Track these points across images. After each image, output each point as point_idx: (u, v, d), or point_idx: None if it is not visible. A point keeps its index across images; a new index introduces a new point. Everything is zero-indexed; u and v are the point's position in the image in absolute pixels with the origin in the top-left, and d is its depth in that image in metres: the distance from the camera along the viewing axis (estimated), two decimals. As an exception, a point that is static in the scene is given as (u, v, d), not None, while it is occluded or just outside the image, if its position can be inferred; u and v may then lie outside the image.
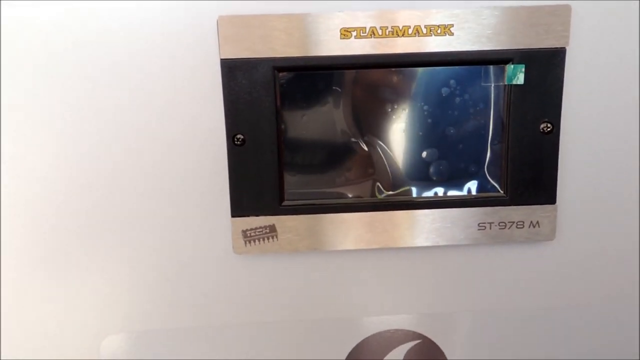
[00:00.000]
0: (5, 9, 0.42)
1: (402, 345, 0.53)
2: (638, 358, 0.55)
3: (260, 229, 0.48)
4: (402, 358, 0.53)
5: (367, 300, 0.52)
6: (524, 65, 0.45)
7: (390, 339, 0.53)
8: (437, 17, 0.44)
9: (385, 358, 0.53)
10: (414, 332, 0.53)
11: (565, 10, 0.44)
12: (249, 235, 0.48)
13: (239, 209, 0.47)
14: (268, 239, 0.48)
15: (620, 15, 0.45)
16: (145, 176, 0.46)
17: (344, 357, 0.53)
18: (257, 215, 0.47)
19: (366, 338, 0.52)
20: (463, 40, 0.45)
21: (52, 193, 0.46)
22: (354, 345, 0.52)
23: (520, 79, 0.46)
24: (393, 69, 0.47)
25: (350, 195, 0.49)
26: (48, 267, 0.48)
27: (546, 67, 0.45)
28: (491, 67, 0.46)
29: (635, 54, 0.46)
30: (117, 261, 0.48)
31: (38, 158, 0.46)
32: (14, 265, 0.48)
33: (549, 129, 0.47)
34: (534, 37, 0.45)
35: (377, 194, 0.49)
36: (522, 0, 0.44)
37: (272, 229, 0.48)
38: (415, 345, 0.53)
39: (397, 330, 0.53)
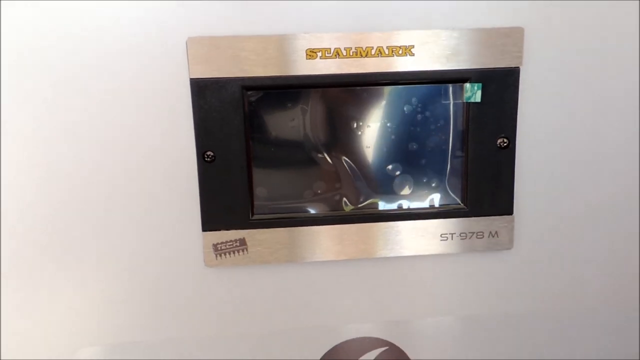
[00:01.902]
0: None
1: (371, 352, 0.54)
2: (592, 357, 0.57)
3: (231, 243, 0.49)
4: (370, 365, 0.55)
5: (336, 309, 0.53)
6: (481, 84, 0.47)
7: (359, 346, 0.54)
8: (398, 39, 0.46)
9: (354, 365, 0.54)
10: (382, 340, 0.54)
11: (519, 33, 0.47)
12: (219, 248, 0.49)
13: (209, 223, 0.48)
14: (238, 252, 0.49)
15: (569, 37, 0.48)
16: (118, 192, 0.47)
17: (314, 366, 0.54)
18: (227, 229, 0.48)
19: (335, 346, 0.53)
20: (424, 60, 0.46)
21: (25, 207, 0.47)
22: (323, 353, 0.53)
23: (477, 96, 0.48)
24: (357, 88, 0.48)
25: (318, 209, 0.50)
26: (20, 281, 0.48)
27: (502, 85, 0.48)
28: (450, 85, 0.48)
29: (583, 73, 0.49)
30: (90, 275, 0.49)
31: (7, 175, 0.46)
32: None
33: (505, 144, 0.49)
34: (490, 57, 0.47)
35: (344, 207, 0.51)
36: (478, 22, 0.46)
37: (242, 242, 0.49)
38: (383, 351, 0.54)
39: (365, 337, 0.54)
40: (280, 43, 0.45)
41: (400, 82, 0.48)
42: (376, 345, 0.54)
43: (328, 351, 0.54)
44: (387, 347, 0.54)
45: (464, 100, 0.48)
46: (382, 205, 0.51)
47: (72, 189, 0.47)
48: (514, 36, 0.47)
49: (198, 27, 0.44)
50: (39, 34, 0.43)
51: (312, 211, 0.50)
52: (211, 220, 0.48)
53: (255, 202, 0.49)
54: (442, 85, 0.49)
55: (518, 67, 0.47)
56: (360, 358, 0.54)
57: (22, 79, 0.44)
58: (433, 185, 0.51)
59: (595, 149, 0.51)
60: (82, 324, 0.50)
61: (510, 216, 0.51)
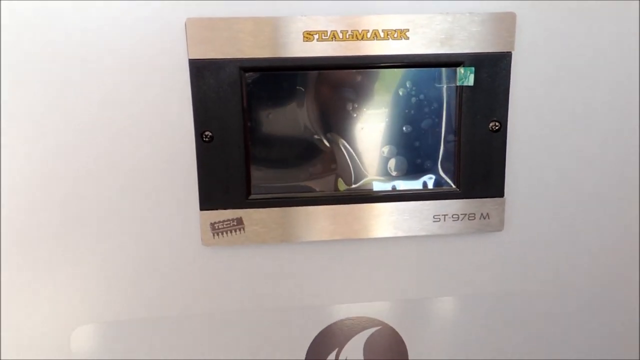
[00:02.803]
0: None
1: (364, 331, 0.55)
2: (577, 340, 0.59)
3: (228, 222, 0.50)
4: (363, 343, 0.56)
5: (330, 289, 0.54)
6: (473, 68, 0.48)
7: (352, 325, 0.55)
8: (394, 22, 0.47)
9: (347, 343, 0.55)
10: (374, 319, 0.55)
11: (511, 18, 0.48)
12: (217, 227, 0.50)
13: (207, 202, 0.49)
14: (235, 231, 0.50)
15: (560, 22, 0.49)
16: (117, 171, 0.48)
17: (309, 344, 0.55)
18: (224, 209, 0.49)
19: (329, 325, 0.54)
20: (418, 44, 0.47)
21: (24, 187, 0.47)
22: (317, 332, 0.54)
23: (470, 80, 0.49)
24: (353, 71, 0.49)
25: (314, 190, 0.51)
26: (18, 260, 0.49)
27: (494, 69, 0.49)
28: (444, 69, 0.49)
29: (574, 57, 0.50)
30: (88, 253, 0.50)
31: (10, 154, 0.47)
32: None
33: (497, 128, 0.50)
34: (483, 42, 0.48)
35: (339, 188, 0.52)
36: (472, 7, 0.48)
37: (240, 221, 0.50)
38: (376, 331, 0.56)
39: (358, 317, 0.55)
40: (278, 25, 0.46)
41: (395, 65, 0.48)
42: (369, 324, 0.55)
43: (322, 330, 0.55)
44: (380, 327, 0.56)
45: (457, 84, 0.49)
46: (377, 187, 0.52)
47: (71, 169, 0.47)
48: (506, 21, 0.48)
49: (197, 9, 0.45)
50: (37, 16, 0.44)
51: (308, 191, 0.51)
52: (209, 199, 0.49)
53: (252, 182, 0.49)
54: (436, 69, 0.50)
55: (510, 52, 0.48)
56: (354, 337, 0.55)
57: (22, 63, 0.45)
58: (426, 167, 0.52)
59: (585, 132, 0.52)
60: (80, 301, 0.51)
61: (501, 198, 0.52)
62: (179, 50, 0.46)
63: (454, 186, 0.52)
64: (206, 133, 0.47)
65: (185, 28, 0.45)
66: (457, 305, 0.56)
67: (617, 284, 0.57)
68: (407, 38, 0.47)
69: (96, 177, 0.48)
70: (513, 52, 0.49)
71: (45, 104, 0.46)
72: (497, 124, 0.50)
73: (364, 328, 0.55)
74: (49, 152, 0.47)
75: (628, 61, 0.51)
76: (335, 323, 0.55)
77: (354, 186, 0.52)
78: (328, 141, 0.51)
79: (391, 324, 0.56)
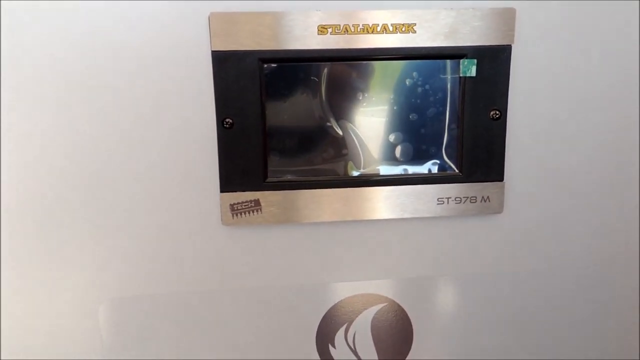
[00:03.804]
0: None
1: (371, 308, 0.58)
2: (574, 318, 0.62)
3: (246, 203, 0.53)
4: (371, 318, 0.59)
5: (340, 267, 0.57)
6: (475, 60, 0.51)
7: (361, 302, 0.58)
8: (401, 17, 0.50)
9: (356, 319, 0.59)
10: (381, 296, 0.58)
11: (511, 12, 0.51)
12: (236, 208, 0.53)
13: (227, 185, 0.52)
14: (253, 212, 0.53)
15: (557, 17, 0.52)
16: (144, 156, 0.51)
17: (320, 318, 0.58)
18: (243, 191, 0.52)
19: (340, 301, 0.58)
20: (424, 37, 0.50)
21: (49, 166, 0.50)
22: (329, 307, 0.58)
23: (472, 71, 0.52)
24: (364, 62, 0.52)
25: (326, 174, 0.54)
26: (46, 234, 0.52)
27: (495, 61, 0.52)
28: (448, 61, 0.52)
29: (570, 50, 0.53)
30: (115, 232, 0.53)
31: (38, 140, 0.49)
32: (11, 235, 0.52)
33: (497, 116, 0.53)
34: (485, 35, 0.51)
35: (349, 172, 0.55)
36: (474, 3, 0.50)
37: (257, 203, 0.53)
38: (383, 307, 0.59)
39: (366, 294, 0.58)
40: (294, 19, 0.49)
41: (402, 57, 0.51)
42: (376, 301, 0.58)
43: (333, 306, 0.58)
44: (386, 304, 0.59)
45: (460, 75, 0.52)
46: (385, 171, 0.55)
47: (101, 151, 0.50)
48: (506, 16, 0.51)
49: (220, 3, 0.48)
50: (68, 13, 0.47)
51: (320, 175, 0.54)
52: (229, 182, 0.52)
53: (269, 166, 0.52)
54: (441, 61, 0.52)
55: (510, 45, 0.51)
56: (362, 313, 0.59)
57: (46, 50, 0.48)
58: (431, 153, 0.55)
59: (580, 120, 0.55)
60: (107, 278, 0.54)
61: (501, 182, 0.55)
62: (202, 43, 0.49)
63: (456, 171, 0.55)
64: (227, 120, 0.50)
65: (209, 22, 0.48)
66: (459, 283, 0.59)
67: (614, 262, 0.60)
68: (414, 32, 0.50)
69: (124, 161, 0.51)
70: (513, 45, 0.51)
71: (76, 94, 0.49)
72: (497, 112, 0.53)
73: (372, 304, 0.58)
74: (78, 137, 0.50)
75: (620, 52, 0.53)
76: (344, 299, 0.58)
77: (363, 170, 0.55)
78: (340, 128, 0.54)
79: (397, 301, 0.59)
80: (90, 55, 0.48)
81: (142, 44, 0.48)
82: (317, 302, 0.58)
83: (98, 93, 0.49)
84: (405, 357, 0.60)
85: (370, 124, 0.54)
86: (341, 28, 0.49)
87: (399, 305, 0.59)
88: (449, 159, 0.55)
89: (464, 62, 0.51)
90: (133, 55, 0.49)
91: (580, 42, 0.53)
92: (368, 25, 0.50)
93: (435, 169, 0.55)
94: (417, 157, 0.55)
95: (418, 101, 0.54)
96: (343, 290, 0.58)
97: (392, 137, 0.55)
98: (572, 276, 0.60)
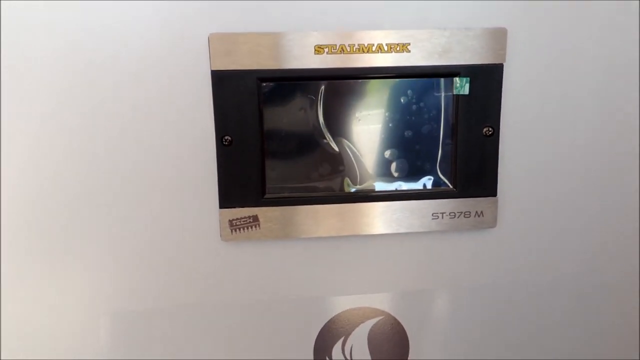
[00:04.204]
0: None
1: (368, 321, 0.59)
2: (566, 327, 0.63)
3: (245, 219, 0.54)
4: (367, 331, 0.60)
5: (337, 281, 0.58)
6: (469, 78, 0.52)
7: (357, 315, 0.59)
8: (396, 37, 0.51)
9: (353, 332, 0.59)
10: (378, 309, 0.59)
11: (502, 32, 0.52)
12: (234, 224, 0.53)
13: (226, 201, 0.53)
14: (251, 227, 0.54)
15: (547, 37, 0.53)
16: (145, 171, 0.52)
17: (318, 331, 0.59)
18: (242, 207, 0.53)
19: (337, 314, 0.58)
20: (418, 56, 0.51)
21: (54, 179, 0.51)
22: (326, 320, 0.58)
23: (466, 89, 0.53)
24: (359, 80, 0.53)
25: (322, 190, 0.55)
26: (49, 250, 0.53)
27: (487, 80, 0.53)
28: (442, 79, 0.54)
29: (559, 68, 0.54)
30: (116, 246, 0.53)
31: (37, 152, 0.50)
32: (12, 250, 0.52)
33: (490, 133, 0.54)
34: (477, 54, 0.52)
35: (346, 188, 0.56)
36: (467, 23, 0.52)
37: (255, 218, 0.54)
38: (379, 320, 0.59)
39: (363, 307, 0.59)
40: (292, 40, 0.50)
41: (398, 75, 0.52)
42: (373, 314, 0.59)
43: (330, 319, 0.58)
44: (382, 317, 0.59)
45: (454, 93, 0.53)
46: (380, 187, 0.56)
47: (104, 169, 0.51)
48: (498, 36, 0.52)
49: (219, 24, 0.49)
50: (70, 24, 0.48)
51: (318, 191, 0.55)
52: (228, 198, 0.53)
53: (267, 183, 0.53)
54: (435, 79, 0.54)
55: (502, 64, 0.52)
56: (359, 326, 0.59)
57: (52, 61, 0.49)
58: (425, 169, 0.56)
59: (570, 136, 0.56)
60: (108, 292, 0.54)
61: (494, 198, 0.56)
62: (202, 62, 0.50)
63: (451, 186, 0.56)
64: (226, 137, 0.51)
65: (209, 42, 0.49)
66: (454, 296, 0.60)
67: (608, 275, 0.61)
68: (409, 51, 0.51)
69: (126, 176, 0.52)
70: (504, 64, 0.52)
71: (79, 107, 0.49)
72: (490, 129, 0.54)
73: (368, 317, 0.59)
74: (78, 150, 0.50)
75: (608, 71, 0.55)
76: (341, 313, 0.58)
77: (359, 186, 0.56)
78: (336, 145, 0.55)
79: (393, 314, 0.59)
80: (91, 73, 0.49)
81: (144, 63, 0.49)
82: (314, 315, 0.58)
83: (99, 110, 0.50)
84: (402, 369, 0.61)
85: (366, 140, 0.55)
86: (337, 48, 0.50)
87: (395, 318, 0.60)
88: (443, 174, 0.56)
89: (457, 81, 0.52)
90: (135, 73, 0.49)
91: (568, 61, 0.54)
92: (363, 45, 0.51)
93: (429, 185, 0.56)
94: (412, 173, 0.56)
95: (413, 118, 0.55)
96: (340, 304, 0.58)
97: (387, 154, 0.56)
98: (565, 289, 0.61)
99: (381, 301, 0.59)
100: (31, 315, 0.54)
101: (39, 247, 0.53)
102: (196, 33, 0.49)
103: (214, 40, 0.49)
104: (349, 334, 0.59)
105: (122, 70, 0.49)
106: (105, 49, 0.49)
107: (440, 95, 0.54)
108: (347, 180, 0.56)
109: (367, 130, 0.55)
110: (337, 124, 0.55)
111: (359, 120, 0.54)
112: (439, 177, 0.56)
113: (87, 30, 0.48)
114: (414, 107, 0.54)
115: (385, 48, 0.51)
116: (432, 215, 0.56)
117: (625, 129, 0.57)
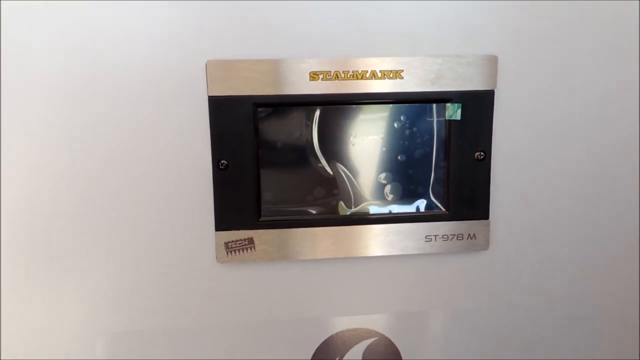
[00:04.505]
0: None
1: (362, 342, 0.60)
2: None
3: (240, 241, 0.54)
4: (362, 352, 0.60)
5: (332, 303, 0.58)
6: (461, 104, 0.53)
7: (352, 336, 0.59)
8: (389, 64, 0.52)
9: (348, 352, 0.59)
10: (372, 330, 0.59)
11: (493, 60, 0.53)
12: (230, 246, 0.54)
13: (222, 223, 0.53)
14: (247, 249, 0.54)
15: (536, 64, 0.54)
16: (142, 194, 0.52)
17: (312, 352, 0.59)
18: (237, 229, 0.54)
19: (331, 335, 0.59)
20: (411, 83, 0.52)
21: (51, 202, 0.51)
22: (321, 341, 0.59)
23: (458, 115, 0.53)
24: (353, 106, 0.54)
25: (317, 212, 0.56)
26: (46, 271, 0.53)
27: (479, 105, 0.54)
28: (434, 105, 0.55)
29: (549, 94, 0.55)
30: (112, 268, 0.54)
31: (35, 172, 0.51)
32: (10, 270, 0.53)
33: (482, 157, 0.55)
34: (469, 81, 0.53)
35: (340, 211, 0.57)
36: (459, 51, 0.53)
37: (251, 241, 0.54)
38: (374, 341, 0.60)
39: (357, 328, 0.59)
40: (287, 66, 0.51)
41: (391, 101, 0.53)
42: (367, 335, 0.60)
43: (324, 340, 0.59)
44: (377, 338, 0.60)
45: (446, 118, 0.54)
46: (374, 210, 0.57)
47: (101, 192, 0.52)
48: (489, 63, 0.53)
49: (216, 52, 0.50)
50: (67, 50, 0.49)
51: (312, 214, 0.56)
52: (223, 220, 0.53)
53: (263, 206, 0.54)
54: (427, 105, 0.55)
55: (493, 90, 0.53)
56: (353, 347, 0.60)
57: (59, 98, 0.50)
58: (419, 192, 0.57)
59: (560, 160, 0.57)
60: (104, 313, 0.55)
61: (486, 220, 0.56)
62: (199, 88, 0.50)
63: (443, 209, 0.56)
64: (222, 161, 0.52)
65: (206, 69, 0.50)
66: (447, 317, 0.60)
67: (600, 297, 0.61)
68: (402, 78, 0.52)
69: (124, 199, 0.52)
70: (495, 90, 0.53)
71: (76, 131, 0.50)
72: (482, 153, 0.55)
73: (363, 338, 0.59)
74: (77, 170, 0.51)
75: (597, 96, 0.56)
76: (336, 334, 0.59)
77: (354, 209, 0.57)
78: (331, 169, 0.55)
79: (387, 335, 0.60)
80: (90, 97, 0.50)
81: (143, 88, 0.50)
82: (309, 336, 0.59)
83: (96, 134, 0.51)
84: (396, 390, 0.62)
85: (360, 164, 0.56)
86: (332, 74, 0.51)
87: (389, 339, 0.60)
88: (436, 198, 0.57)
89: (449, 106, 0.53)
90: (134, 98, 0.50)
91: (558, 87, 0.55)
92: (357, 71, 0.52)
93: (423, 208, 0.57)
94: (406, 196, 0.57)
95: (406, 143, 0.56)
96: (335, 325, 0.59)
97: (381, 177, 0.56)
98: (558, 311, 0.61)
99: (375, 322, 0.59)
100: (29, 337, 0.54)
101: (34, 268, 0.53)
102: (194, 60, 0.50)
103: (211, 67, 0.50)
104: (344, 354, 0.60)
105: (121, 95, 0.50)
106: (104, 75, 0.50)
107: (433, 121, 0.55)
108: (342, 203, 0.56)
109: (361, 154, 0.56)
110: (331, 148, 0.55)
111: (353, 144, 0.55)
112: (432, 201, 0.57)
113: (85, 56, 0.49)
114: (407, 132, 0.55)
115: (379, 75, 0.52)
116: (426, 237, 0.56)
117: (616, 152, 0.58)
